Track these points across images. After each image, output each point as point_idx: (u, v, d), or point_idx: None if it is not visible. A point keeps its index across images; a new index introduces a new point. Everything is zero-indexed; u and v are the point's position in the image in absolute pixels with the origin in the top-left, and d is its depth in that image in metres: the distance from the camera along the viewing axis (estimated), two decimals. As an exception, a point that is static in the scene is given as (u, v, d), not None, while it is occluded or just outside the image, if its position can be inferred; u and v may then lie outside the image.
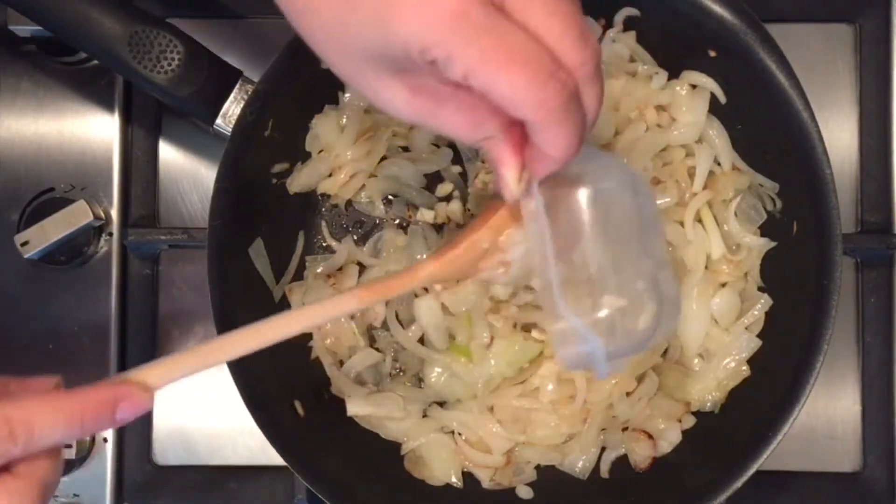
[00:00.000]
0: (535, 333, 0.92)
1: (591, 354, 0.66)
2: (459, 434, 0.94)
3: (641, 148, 0.92)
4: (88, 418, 0.58)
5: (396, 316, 0.95)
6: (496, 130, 0.61)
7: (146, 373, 0.63)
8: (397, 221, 0.98)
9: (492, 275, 0.72)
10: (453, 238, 0.73)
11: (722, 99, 0.92)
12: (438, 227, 0.97)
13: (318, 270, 0.96)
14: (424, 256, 0.93)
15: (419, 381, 0.95)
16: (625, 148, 0.92)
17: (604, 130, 0.93)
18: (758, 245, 0.93)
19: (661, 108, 0.94)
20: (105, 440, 0.99)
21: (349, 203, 0.98)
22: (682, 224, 0.93)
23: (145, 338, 1.01)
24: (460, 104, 0.60)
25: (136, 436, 1.00)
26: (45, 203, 0.98)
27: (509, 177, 0.63)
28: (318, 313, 0.71)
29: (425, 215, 0.96)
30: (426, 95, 0.59)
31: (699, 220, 0.93)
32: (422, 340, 0.94)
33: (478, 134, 0.61)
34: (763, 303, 0.92)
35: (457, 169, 0.97)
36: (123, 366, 1.01)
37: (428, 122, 0.60)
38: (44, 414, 0.56)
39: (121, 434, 1.00)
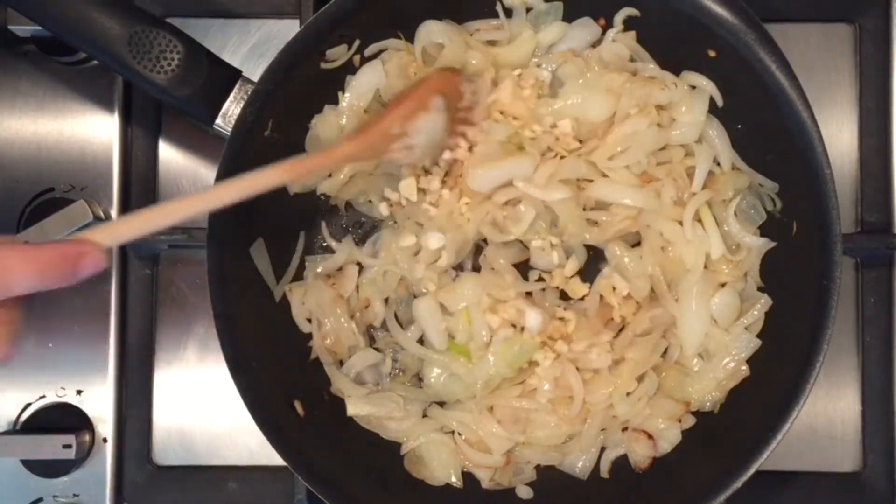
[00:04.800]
0: (534, 333, 0.92)
1: None
2: (459, 434, 0.94)
3: (638, 141, 0.91)
4: (56, 270, 0.65)
5: (396, 316, 0.95)
6: None
7: (100, 233, 0.69)
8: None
9: (399, 156, 0.87)
10: (367, 122, 0.87)
11: (719, 101, 0.92)
12: (438, 227, 0.97)
13: (318, 270, 0.96)
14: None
15: (419, 381, 0.95)
16: (622, 139, 0.92)
17: (598, 111, 0.92)
18: (758, 245, 0.92)
19: (661, 108, 0.94)
20: (105, 440, 0.99)
21: (349, 203, 0.98)
22: (681, 223, 0.92)
23: (145, 338, 1.01)
24: None
25: (136, 436, 1.00)
26: (45, 203, 0.99)
27: None
28: (248, 186, 0.79)
29: (425, 215, 0.96)
30: None
31: (699, 220, 0.93)
32: (421, 341, 0.94)
33: None
34: (763, 303, 0.92)
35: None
36: (123, 366, 1.01)
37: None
38: (20, 262, 0.63)
39: (121, 434, 1.00)
